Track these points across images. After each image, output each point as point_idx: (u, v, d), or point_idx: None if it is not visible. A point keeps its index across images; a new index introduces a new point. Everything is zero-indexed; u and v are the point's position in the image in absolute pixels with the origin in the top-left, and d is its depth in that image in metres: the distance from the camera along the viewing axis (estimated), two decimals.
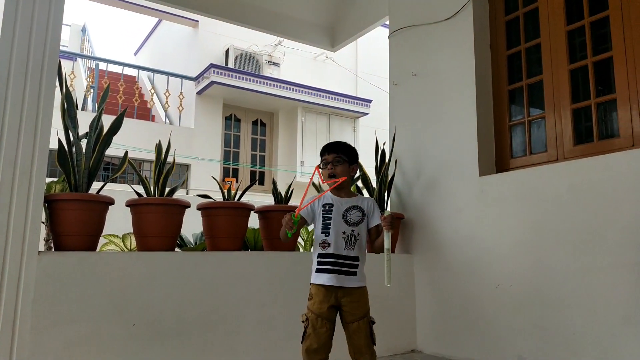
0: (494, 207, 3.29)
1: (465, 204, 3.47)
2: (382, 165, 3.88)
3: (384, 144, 4.00)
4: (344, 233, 2.35)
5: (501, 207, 3.25)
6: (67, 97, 2.83)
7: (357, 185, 3.90)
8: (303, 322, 2.31)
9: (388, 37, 4.33)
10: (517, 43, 3.55)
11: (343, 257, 2.33)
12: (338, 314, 2.34)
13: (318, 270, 2.35)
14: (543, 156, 3.29)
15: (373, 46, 11.81)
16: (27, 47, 2.51)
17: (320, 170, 2.50)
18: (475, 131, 3.46)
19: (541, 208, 3.03)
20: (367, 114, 11.91)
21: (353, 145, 2.58)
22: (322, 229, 2.38)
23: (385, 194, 3.88)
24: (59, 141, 2.75)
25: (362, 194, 3.82)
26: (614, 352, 2.60)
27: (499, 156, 3.53)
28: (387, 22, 4.50)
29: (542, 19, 3.38)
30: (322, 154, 2.52)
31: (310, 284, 2.37)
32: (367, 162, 4.19)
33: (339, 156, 2.47)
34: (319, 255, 2.36)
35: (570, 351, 2.79)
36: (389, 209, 2.32)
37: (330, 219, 2.37)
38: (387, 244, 2.25)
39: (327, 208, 2.40)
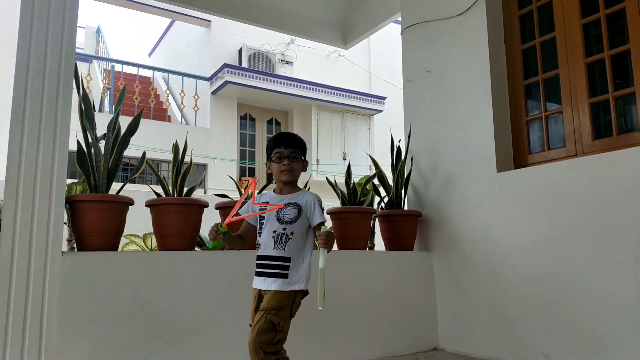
0: (513, 204, 3.27)
1: (484, 200, 3.46)
2: (397, 163, 3.88)
3: (399, 141, 3.99)
4: (274, 232, 2.18)
5: (520, 203, 3.23)
6: (85, 99, 2.88)
7: (373, 183, 3.90)
8: None
9: (400, 34, 4.32)
10: (531, 37, 3.51)
11: (270, 258, 2.17)
12: None
13: (255, 274, 2.24)
14: (561, 151, 3.26)
15: (386, 42, 11.77)
16: (43, 50, 2.55)
17: (271, 163, 2.28)
18: (491, 127, 3.44)
19: (560, 204, 3.00)
20: (381, 111, 11.88)
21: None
22: (258, 229, 2.26)
23: (402, 192, 3.87)
24: (78, 143, 2.80)
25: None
26: None
27: (516, 152, 3.50)
28: (400, 19, 4.49)
29: (557, 12, 3.35)
30: (275, 146, 2.28)
31: None
32: (383, 160, 4.19)
33: (295, 151, 2.27)
34: (256, 258, 2.25)
35: (595, 349, 2.76)
36: (329, 224, 2.18)
37: (264, 217, 2.23)
38: (321, 262, 2.04)
39: (262, 208, 2.25)
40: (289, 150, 2.26)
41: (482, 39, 3.56)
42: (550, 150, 3.33)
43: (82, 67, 10.77)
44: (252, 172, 11.18)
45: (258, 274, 2.21)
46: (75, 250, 2.75)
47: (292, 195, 2.26)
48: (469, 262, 3.52)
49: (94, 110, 2.96)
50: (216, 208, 3.22)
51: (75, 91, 2.74)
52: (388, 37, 10.50)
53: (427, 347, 3.62)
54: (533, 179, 3.18)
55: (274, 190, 2.33)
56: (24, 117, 2.46)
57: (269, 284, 2.16)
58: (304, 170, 2.34)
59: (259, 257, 2.22)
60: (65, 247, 2.69)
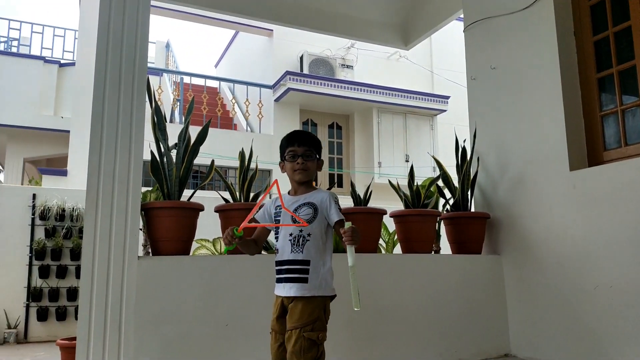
0: (588, 203, 3.11)
1: (556, 200, 3.31)
2: (463, 164, 3.79)
3: (464, 141, 3.90)
4: (291, 234, 2.07)
5: (596, 202, 3.06)
6: (157, 111, 3.03)
7: (438, 185, 3.83)
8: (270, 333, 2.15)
9: (463, 31, 4.23)
10: (604, 28, 3.33)
11: (288, 262, 2.06)
12: None
13: (276, 280, 2.14)
14: None
15: (448, 40, 11.53)
16: (118, 67, 2.72)
17: (285, 162, 2.20)
18: (563, 123, 3.29)
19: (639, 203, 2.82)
20: (444, 110, 11.64)
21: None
22: (275, 234, 2.17)
23: (469, 193, 3.78)
24: (151, 153, 2.95)
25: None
26: None
27: (590, 149, 3.32)
28: (462, 16, 4.39)
29: (632, 0, 3.15)
30: (288, 144, 2.18)
31: None
32: (447, 161, 4.11)
33: (309, 150, 2.16)
34: (275, 264, 2.15)
35: None
36: (350, 222, 1.98)
37: (279, 221, 2.14)
38: (350, 260, 1.92)
39: (277, 210, 2.15)
40: (303, 149, 2.16)
41: (550, 33, 3.42)
42: (628, 146, 3.13)
43: (154, 81, 11.31)
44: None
45: (278, 280, 2.12)
46: (150, 254, 2.89)
47: (307, 195, 2.16)
48: (541, 265, 3.37)
49: (166, 122, 3.11)
50: None
51: (147, 104, 2.89)
52: (450, 35, 10.30)
53: (498, 354, 3.50)
54: (609, 177, 3.01)
55: (288, 192, 2.25)
56: (102, 131, 2.63)
57: (287, 290, 2.05)
58: (319, 169, 2.25)
59: (277, 263, 2.12)
60: (141, 252, 2.84)
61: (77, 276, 6.26)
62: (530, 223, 3.48)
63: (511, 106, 3.70)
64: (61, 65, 11.25)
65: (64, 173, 9.27)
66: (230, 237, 2.00)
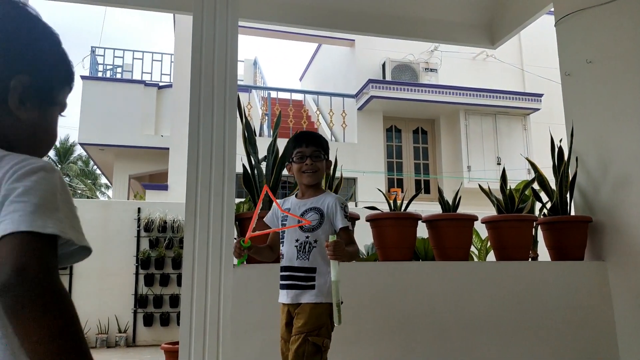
0: None
1: None
2: (560, 165, 3.58)
3: (560, 140, 3.69)
4: (297, 240, 2.02)
5: None
6: (247, 126, 3.17)
7: (533, 188, 3.65)
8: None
9: (555, 26, 4.01)
10: None
11: (295, 269, 2.01)
12: None
13: (280, 287, 2.09)
14: None
15: (539, 36, 10.98)
16: (211, 86, 2.88)
17: (292, 164, 2.15)
18: None
19: None
20: (538, 109, 11.07)
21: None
22: (280, 238, 2.10)
23: (568, 196, 3.56)
24: (243, 166, 3.09)
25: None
26: None
27: None
28: (552, 10, 4.17)
29: None
30: (295, 145, 2.13)
31: None
32: (543, 162, 3.91)
33: (318, 150, 2.11)
34: (280, 270, 2.10)
35: None
36: (335, 236, 1.92)
37: (285, 226, 2.08)
38: (333, 275, 1.87)
39: (284, 214, 2.10)
40: (312, 149, 2.10)
41: None
42: None
43: (243, 97, 11.83)
44: (400, 183, 11.17)
45: (282, 286, 2.08)
46: (245, 263, 3.02)
47: (314, 200, 2.10)
48: None
49: (255, 136, 3.24)
50: (367, 220, 3.29)
51: (238, 119, 3.04)
52: (540, 30, 9.82)
53: None
54: None
55: (295, 195, 2.20)
56: (198, 147, 2.80)
57: (293, 297, 2.03)
58: (327, 170, 2.20)
59: (283, 269, 2.09)
60: (235, 261, 2.97)
61: (179, 284, 6.66)
62: (638, 226, 3.21)
63: (611, 101, 3.45)
64: (159, 87, 12.10)
65: (165, 187, 9.93)
66: (238, 249, 2.00)
